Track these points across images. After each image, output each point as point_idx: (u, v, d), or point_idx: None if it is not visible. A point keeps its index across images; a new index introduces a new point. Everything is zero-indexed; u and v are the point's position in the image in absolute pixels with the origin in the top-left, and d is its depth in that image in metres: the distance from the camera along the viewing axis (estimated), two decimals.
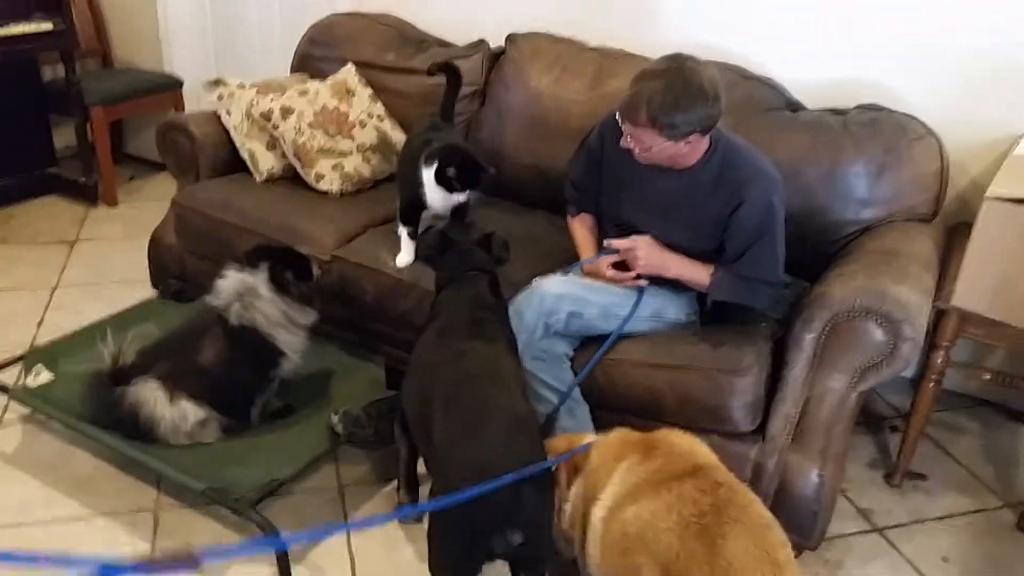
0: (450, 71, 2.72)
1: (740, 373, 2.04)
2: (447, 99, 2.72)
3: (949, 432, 2.79)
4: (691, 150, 2.06)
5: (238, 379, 2.19)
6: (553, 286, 2.15)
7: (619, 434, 1.79)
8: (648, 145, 2.03)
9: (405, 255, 2.49)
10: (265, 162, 2.90)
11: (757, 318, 2.28)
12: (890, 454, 2.67)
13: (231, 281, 2.18)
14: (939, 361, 2.34)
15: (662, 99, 1.93)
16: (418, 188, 2.39)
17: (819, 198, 2.46)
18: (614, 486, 1.66)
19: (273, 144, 2.90)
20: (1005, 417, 2.92)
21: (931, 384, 2.39)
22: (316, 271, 2.29)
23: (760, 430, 2.10)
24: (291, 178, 2.91)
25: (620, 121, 2.06)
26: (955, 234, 2.58)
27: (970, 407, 2.93)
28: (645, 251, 2.16)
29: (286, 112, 2.83)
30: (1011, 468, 2.67)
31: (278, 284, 2.17)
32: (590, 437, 1.84)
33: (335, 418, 2.18)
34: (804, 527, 2.07)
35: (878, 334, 1.99)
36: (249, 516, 1.89)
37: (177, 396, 2.12)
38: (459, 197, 2.37)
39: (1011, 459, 2.72)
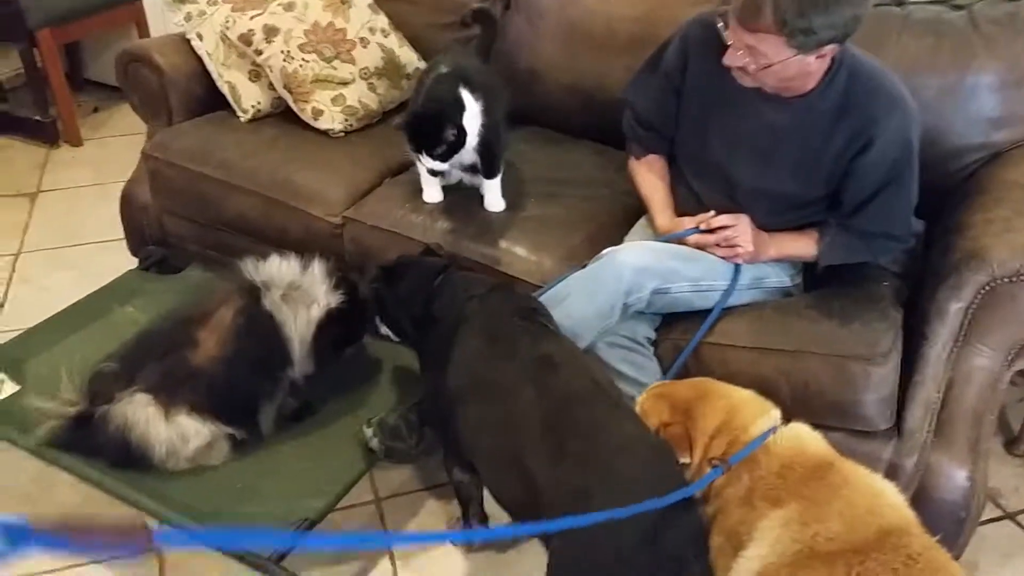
0: (485, 19, 2.27)
1: (877, 361, 1.63)
2: (482, 48, 2.27)
3: None
4: (818, 68, 1.59)
5: (245, 382, 1.77)
6: (633, 257, 1.70)
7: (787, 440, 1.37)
8: (768, 60, 1.55)
9: (431, 192, 2.06)
10: (249, 97, 2.38)
11: (876, 275, 1.87)
12: (1005, 414, 2.30)
13: (287, 266, 1.80)
14: None
15: None
16: None
17: (940, 118, 1.97)
18: (762, 546, 1.26)
19: (257, 74, 2.38)
20: None
21: None
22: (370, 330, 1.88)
23: (895, 425, 1.70)
24: (282, 115, 2.40)
25: (728, 27, 1.58)
26: None
27: None
28: (749, 236, 1.73)
29: (270, 33, 2.30)
30: None
31: (321, 331, 1.79)
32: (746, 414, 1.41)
33: (368, 432, 1.77)
34: (948, 537, 1.69)
35: None
36: (275, 574, 1.52)
37: (174, 410, 1.70)
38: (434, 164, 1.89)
39: None
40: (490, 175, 1.98)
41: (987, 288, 1.61)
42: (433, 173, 2.01)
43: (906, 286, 1.88)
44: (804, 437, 1.38)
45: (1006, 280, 1.59)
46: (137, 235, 2.47)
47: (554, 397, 1.39)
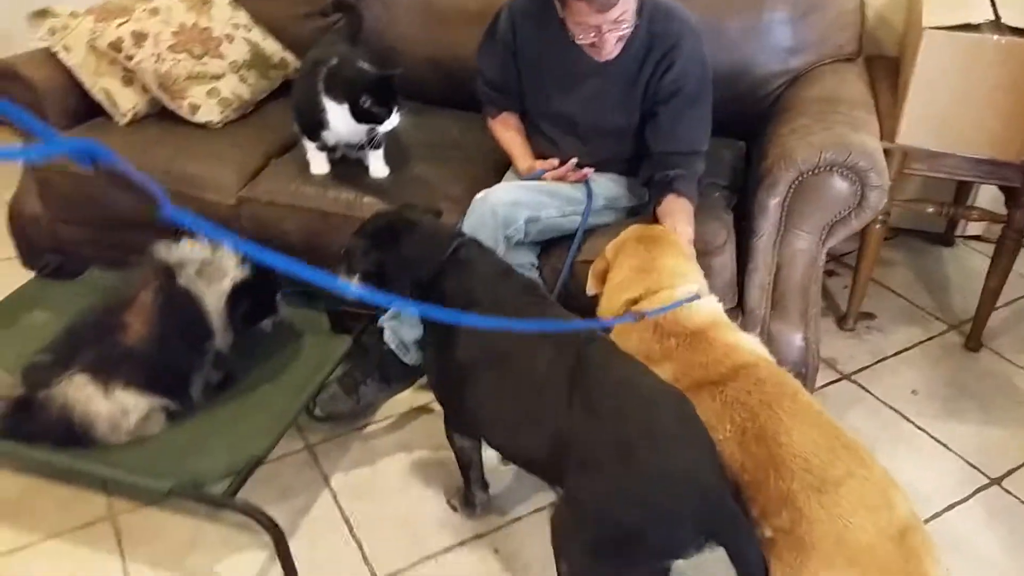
0: (347, 9, 2.46)
1: (716, 252, 1.96)
2: (350, 35, 2.45)
3: (879, 266, 2.86)
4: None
5: (174, 355, 1.92)
6: (503, 195, 1.96)
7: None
8: (630, 19, 1.84)
9: (318, 165, 2.25)
10: (125, 101, 2.49)
11: (708, 190, 2.19)
12: (834, 298, 2.72)
13: (198, 247, 1.98)
14: (885, 201, 2.34)
15: None
16: (319, 115, 2.12)
17: (745, 52, 2.35)
18: None
19: (130, 79, 2.49)
20: (923, 242, 3.03)
21: (878, 225, 2.40)
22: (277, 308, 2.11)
23: (739, 305, 2.05)
24: (160, 114, 2.52)
25: (575, 21, 1.84)
26: (870, 69, 2.55)
27: (890, 238, 3.01)
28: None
29: (139, 38, 2.42)
30: (945, 292, 2.78)
31: (232, 302, 1.98)
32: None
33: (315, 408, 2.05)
34: None
35: (844, 187, 1.94)
36: (233, 507, 1.69)
37: (112, 387, 1.83)
38: (389, 125, 2.10)
39: (942, 283, 2.83)
40: (375, 145, 2.19)
41: (796, 183, 1.96)
42: (373, 144, 2.18)
43: (734, 195, 2.23)
44: (695, 310, 1.64)
45: (810, 174, 1.94)
46: (30, 246, 2.53)
47: (574, 359, 1.47)
